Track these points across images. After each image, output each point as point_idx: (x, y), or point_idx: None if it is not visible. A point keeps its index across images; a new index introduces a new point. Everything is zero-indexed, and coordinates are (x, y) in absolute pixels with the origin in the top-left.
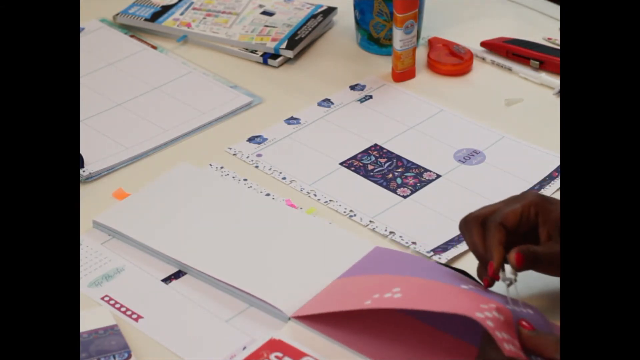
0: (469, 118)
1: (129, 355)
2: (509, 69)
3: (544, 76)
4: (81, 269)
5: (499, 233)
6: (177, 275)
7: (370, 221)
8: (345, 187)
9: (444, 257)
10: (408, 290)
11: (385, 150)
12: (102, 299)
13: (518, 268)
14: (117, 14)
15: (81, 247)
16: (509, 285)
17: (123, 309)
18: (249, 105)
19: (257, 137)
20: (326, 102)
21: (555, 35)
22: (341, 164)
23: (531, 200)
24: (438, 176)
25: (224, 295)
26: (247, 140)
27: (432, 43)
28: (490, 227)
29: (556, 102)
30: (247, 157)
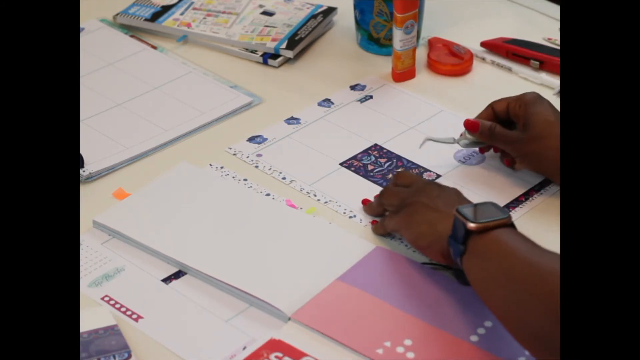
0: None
1: (129, 355)
2: (509, 69)
3: (544, 76)
4: (81, 269)
5: (486, 110)
6: (177, 275)
7: (370, 222)
8: (345, 187)
9: None
10: (419, 348)
11: (385, 150)
12: (102, 299)
13: (472, 132)
14: (117, 14)
15: (81, 247)
16: (460, 144)
17: (123, 309)
18: (249, 105)
19: (257, 137)
20: (326, 102)
21: (555, 35)
22: (341, 164)
23: (523, 98)
24: (438, 176)
25: (224, 295)
26: (247, 140)
27: (432, 43)
28: (486, 107)
29: (556, 102)
30: (247, 157)
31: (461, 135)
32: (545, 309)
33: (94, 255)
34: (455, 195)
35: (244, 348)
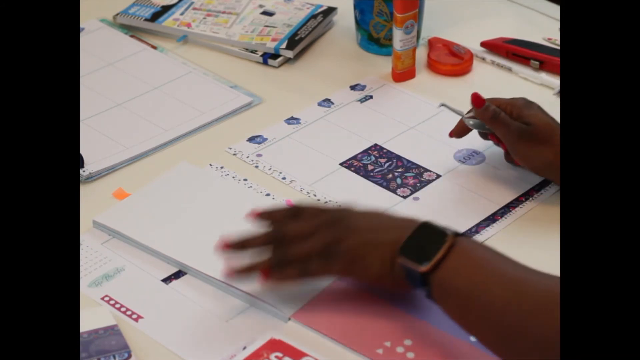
0: None
1: (129, 355)
2: (509, 69)
3: (544, 76)
4: (81, 269)
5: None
6: (177, 275)
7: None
8: (345, 187)
9: None
10: (419, 348)
11: (385, 150)
12: (102, 299)
13: (476, 107)
14: (117, 14)
15: (81, 247)
16: (465, 119)
17: (123, 309)
18: (249, 105)
19: (257, 137)
20: (326, 102)
21: (555, 35)
22: (341, 164)
23: (514, 102)
24: (438, 176)
25: (224, 295)
26: (247, 140)
27: (432, 43)
28: None
29: (556, 102)
30: (247, 157)
31: (469, 112)
32: (497, 338)
33: (94, 255)
34: (375, 217)
35: (244, 348)
